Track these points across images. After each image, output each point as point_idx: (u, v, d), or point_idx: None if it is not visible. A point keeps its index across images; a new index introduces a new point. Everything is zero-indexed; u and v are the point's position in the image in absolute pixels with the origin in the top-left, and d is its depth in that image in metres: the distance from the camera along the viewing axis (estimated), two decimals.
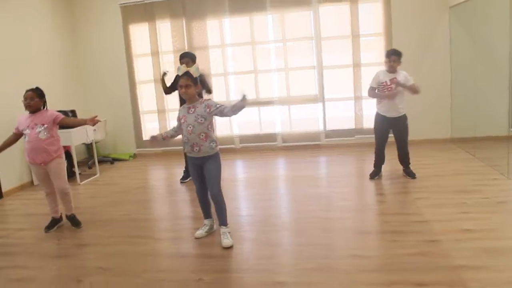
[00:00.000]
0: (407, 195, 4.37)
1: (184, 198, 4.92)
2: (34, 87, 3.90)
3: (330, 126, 6.99)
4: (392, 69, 4.61)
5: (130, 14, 7.12)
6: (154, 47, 7.10)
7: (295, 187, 5.04)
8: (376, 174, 4.99)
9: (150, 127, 7.45)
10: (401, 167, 5.00)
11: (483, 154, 5.53)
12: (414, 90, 4.57)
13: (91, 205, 4.85)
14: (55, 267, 3.29)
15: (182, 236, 3.73)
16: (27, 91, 3.84)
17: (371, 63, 6.59)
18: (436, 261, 2.88)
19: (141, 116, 7.45)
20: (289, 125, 7.09)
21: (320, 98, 6.90)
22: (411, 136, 4.87)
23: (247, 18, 6.87)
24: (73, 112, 6.31)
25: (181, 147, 5.28)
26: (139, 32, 7.23)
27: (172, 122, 6.99)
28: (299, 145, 7.03)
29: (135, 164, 6.99)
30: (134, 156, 7.50)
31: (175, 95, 5.20)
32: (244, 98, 3.23)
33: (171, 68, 7.05)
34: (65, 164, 4.13)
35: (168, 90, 5.31)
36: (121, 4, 7.08)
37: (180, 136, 4.05)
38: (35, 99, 3.83)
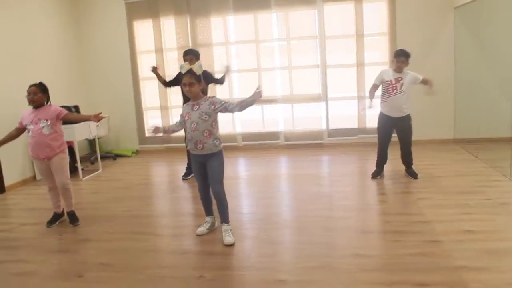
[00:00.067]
0: (409, 195, 4.36)
1: (186, 195, 4.93)
2: (38, 82, 3.90)
3: (333, 125, 6.99)
4: (399, 69, 4.61)
5: (135, 11, 7.12)
6: (158, 44, 7.10)
7: (297, 185, 5.04)
8: (378, 173, 4.98)
9: (153, 124, 7.43)
10: (403, 167, 5.00)
11: (486, 155, 5.52)
12: (431, 83, 4.64)
13: (93, 200, 4.86)
14: (56, 261, 3.30)
15: (184, 233, 3.73)
16: (30, 86, 3.84)
17: (375, 63, 6.59)
18: (438, 262, 2.88)
19: (144, 112, 7.46)
20: (292, 123, 7.09)
21: (323, 97, 6.89)
22: (414, 136, 4.86)
23: (251, 16, 6.86)
24: (76, 108, 6.32)
25: (184, 144, 5.31)
26: (143, 28, 7.23)
27: (175, 119, 6.98)
28: (301, 143, 7.03)
29: (137, 161, 7.00)
30: (137, 152, 7.51)
31: (178, 92, 5.21)
32: (257, 93, 3.21)
33: (175, 65, 7.07)
34: (68, 160, 4.13)
35: (167, 84, 5.35)
36: (126, 0, 7.08)
37: (182, 133, 4.06)
38: (39, 94, 3.83)
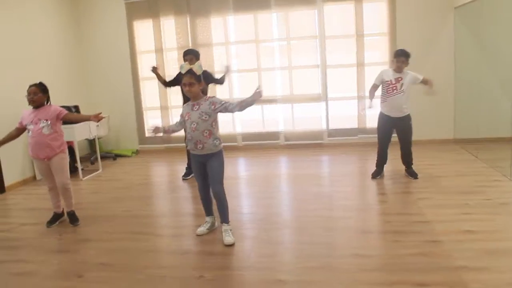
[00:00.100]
0: (409, 195, 4.36)
1: (186, 195, 4.93)
2: (38, 82, 3.90)
3: (333, 125, 6.99)
4: (399, 69, 4.61)
5: (135, 11, 7.12)
6: (158, 44, 7.10)
7: (297, 185, 5.04)
8: (378, 173, 4.98)
9: (153, 124, 7.43)
10: (403, 167, 5.00)
11: (486, 155, 5.52)
12: (431, 83, 4.66)
13: (93, 200, 4.86)
14: (56, 261, 3.30)
15: (184, 233, 3.73)
16: (30, 86, 3.84)
17: (375, 63, 6.59)
18: (438, 262, 2.88)
19: (144, 112, 7.46)
20: (292, 123, 7.09)
21: (323, 97, 6.89)
22: (414, 136, 4.86)
23: (251, 16, 6.86)
24: (76, 108, 6.32)
25: (184, 144, 5.31)
26: (143, 28, 7.23)
27: (175, 119, 6.98)
28: (301, 143, 7.03)
29: (137, 161, 7.00)
30: (137, 152, 7.51)
31: (178, 92, 5.21)
32: (257, 93, 3.22)
33: (175, 65, 7.07)
34: (68, 160, 4.13)
35: (167, 84, 5.36)
36: (126, 0, 7.08)
37: (182, 133, 4.06)
38: (39, 94, 3.83)
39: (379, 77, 4.74)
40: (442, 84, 6.38)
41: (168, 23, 7.08)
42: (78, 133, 5.79)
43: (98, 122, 3.99)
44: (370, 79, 5.75)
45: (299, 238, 3.51)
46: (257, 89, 3.25)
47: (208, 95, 3.61)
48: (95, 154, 6.53)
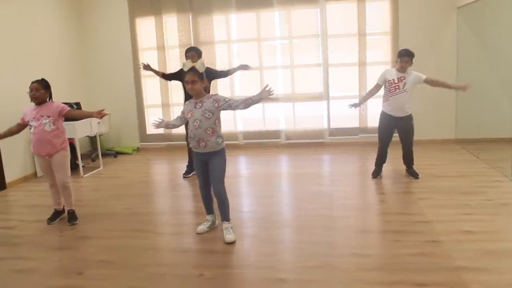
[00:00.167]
0: (409, 195, 4.36)
1: (187, 193, 4.93)
2: (40, 78, 3.90)
3: (334, 124, 6.98)
4: (402, 69, 4.60)
5: (137, 8, 7.12)
6: (160, 41, 7.10)
7: (298, 184, 5.04)
8: (377, 173, 4.98)
9: (157, 119, 7.45)
10: (404, 167, 4.99)
11: (487, 155, 5.51)
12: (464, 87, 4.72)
13: (93, 198, 4.87)
14: (57, 258, 3.31)
15: (184, 231, 3.74)
16: (32, 82, 3.85)
17: (377, 62, 6.58)
18: (438, 262, 2.88)
19: (145, 109, 7.46)
20: (293, 122, 7.08)
21: (325, 96, 6.89)
22: (415, 136, 4.85)
23: (253, 14, 6.85)
24: (78, 105, 6.32)
25: (184, 142, 5.31)
26: (145, 25, 7.22)
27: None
28: (302, 142, 7.02)
29: (138, 158, 7.01)
30: (138, 150, 7.52)
31: (179, 89, 5.21)
32: (265, 92, 3.22)
33: (177, 63, 7.06)
34: (69, 157, 4.12)
35: (166, 77, 5.38)
36: None
37: (183, 131, 4.06)
38: (41, 91, 3.83)
39: (382, 76, 4.74)
40: None
41: (170, 21, 7.08)
42: (80, 130, 5.79)
43: (101, 118, 3.98)
44: (372, 79, 5.76)
45: (299, 237, 3.51)
46: (266, 87, 3.25)
47: (211, 93, 3.61)
48: (96, 151, 6.54)
